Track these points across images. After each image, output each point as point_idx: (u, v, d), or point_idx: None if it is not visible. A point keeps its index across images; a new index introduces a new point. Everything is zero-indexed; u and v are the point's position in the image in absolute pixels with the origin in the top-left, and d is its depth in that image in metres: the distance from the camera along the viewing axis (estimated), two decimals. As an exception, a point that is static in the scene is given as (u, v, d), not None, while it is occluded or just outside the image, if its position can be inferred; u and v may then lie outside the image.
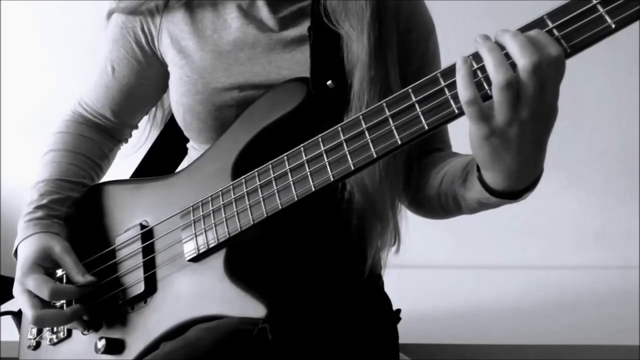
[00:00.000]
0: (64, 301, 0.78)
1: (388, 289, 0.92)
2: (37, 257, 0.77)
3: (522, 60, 0.50)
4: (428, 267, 1.66)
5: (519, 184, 0.60)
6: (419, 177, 0.79)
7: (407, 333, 0.93)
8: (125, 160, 0.97)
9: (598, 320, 1.34)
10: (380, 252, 0.81)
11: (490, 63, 0.52)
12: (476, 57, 0.55)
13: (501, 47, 0.53)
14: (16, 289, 0.77)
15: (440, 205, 0.75)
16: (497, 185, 0.60)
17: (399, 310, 0.90)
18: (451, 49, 0.83)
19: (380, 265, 0.91)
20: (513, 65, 0.51)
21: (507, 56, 0.52)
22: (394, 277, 0.96)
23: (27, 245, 0.79)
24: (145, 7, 0.81)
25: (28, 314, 0.75)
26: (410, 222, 0.83)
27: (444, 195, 0.73)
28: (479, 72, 0.55)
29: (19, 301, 0.77)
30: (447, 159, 0.77)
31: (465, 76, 0.54)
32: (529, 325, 1.33)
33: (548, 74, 0.51)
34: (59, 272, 0.81)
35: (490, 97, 0.53)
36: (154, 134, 0.97)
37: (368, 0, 0.73)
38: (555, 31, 0.51)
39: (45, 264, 0.78)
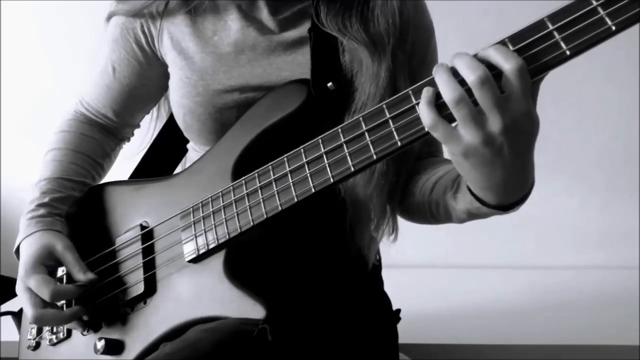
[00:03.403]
0: (64, 301, 0.78)
1: (388, 289, 0.92)
2: (40, 255, 0.78)
3: (470, 77, 0.51)
4: (428, 267, 1.67)
5: (508, 198, 0.59)
6: (408, 181, 0.78)
7: (407, 333, 0.93)
8: (128, 162, 0.97)
9: (598, 320, 1.34)
10: (378, 241, 0.80)
11: (439, 84, 0.53)
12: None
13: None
14: (19, 287, 0.77)
15: (430, 213, 0.74)
16: (487, 199, 0.60)
17: (398, 310, 0.90)
18: (451, 49, 0.83)
19: (379, 256, 0.91)
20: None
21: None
22: (394, 277, 0.96)
23: (29, 243, 0.79)
24: (146, 10, 0.81)
25: (28, 312, 0.75)
26: (409, 222, 0.83)
27: (435, 204, 0.72)
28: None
29: (21, 299, 0.77)
30: (438, 165, 0.76)
31: (426, 104, 0.55)
32: (529, 325, 1.33)
33: (514, 85, 0.50)
34: (60, 272, 0.81)
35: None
36: (160, 125, 0.96)
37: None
38: (555, 33, 0.51)
39: (47, 262, 0.78)
